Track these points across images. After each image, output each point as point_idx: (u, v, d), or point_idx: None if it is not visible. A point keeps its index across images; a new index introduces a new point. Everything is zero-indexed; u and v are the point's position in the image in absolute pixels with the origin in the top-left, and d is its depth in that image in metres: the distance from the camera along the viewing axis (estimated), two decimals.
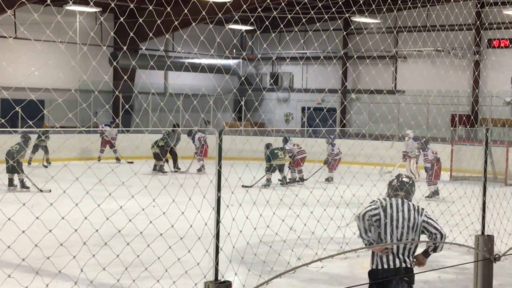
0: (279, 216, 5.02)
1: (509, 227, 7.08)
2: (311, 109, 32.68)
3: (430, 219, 5.82)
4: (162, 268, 5.04)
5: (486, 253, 6.34)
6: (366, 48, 27.36)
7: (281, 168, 19.46)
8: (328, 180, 20.49)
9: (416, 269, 5.89)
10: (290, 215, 5.30)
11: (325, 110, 30.24)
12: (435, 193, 17.30)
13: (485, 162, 6.58)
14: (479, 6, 28.37)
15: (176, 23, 5.31)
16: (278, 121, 35.92)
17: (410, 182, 5.95)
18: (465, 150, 21.74)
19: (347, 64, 32.57)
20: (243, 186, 10.66)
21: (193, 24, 5.69)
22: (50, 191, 14.51)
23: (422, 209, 5.85)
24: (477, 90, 29.19)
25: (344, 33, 30.12)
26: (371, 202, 5.80)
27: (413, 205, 5.85)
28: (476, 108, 29.46)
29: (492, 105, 29.08)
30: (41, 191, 14.73)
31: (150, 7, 4.75)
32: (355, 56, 29.65)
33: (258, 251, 5.40)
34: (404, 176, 5.93)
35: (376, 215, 5.72)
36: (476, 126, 28.20)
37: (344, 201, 5.84)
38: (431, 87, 29.48)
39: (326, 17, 6.18)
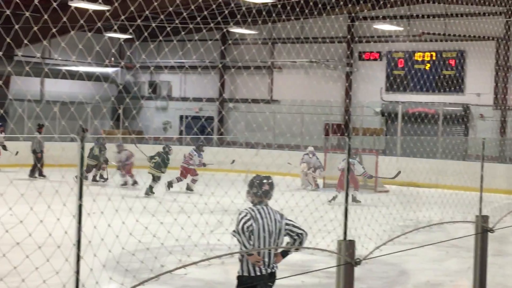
0: (142, 224, 5.02)
1: (370, 232, 7.38)
2: (190, 117, 32.76)
3: (291, 220, 6.12)
4: (19, 279, 4.92)
5: (347, 258, 6.55)
6: (243, 58, 27.71)
7: (154, 178, 19.27)
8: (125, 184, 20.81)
9: (280, 274, 6.07)
10: (154, 223, 5.31)
11: (203, 119, 30.36)
12: (354, 200, 18.08)
13: (348, 169, 6.80)
14: (349, 20, 29.38)
15: (53, 30, 5.20)
16: (156, 129, 35.72)
17: (270, 186, 6.14)
18: (337, 158, 22.37)
19: (224, 76, 32.85)
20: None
21: (72, 32, 5.61)
22: None
23: (281, 213, 6.09)
24: (347, 101, 30.15)
25: (222, 47, 30.44)
26: (240, 213, 5.93)
27: (274, 209, 6.06)
28: (346, 117, 30.40)
29: (363, 115, 30.07)
30: None
31: (27, 14, 4.64)
32: (232, 69, 29.93)
33: (120, 259, 5.38)
34: (262, 179, 6.08)
35: (250, 226, 5.88)
36: (346, 135, 29.03)
37: (208, 208, 5.91)
38: (306, 97, 30.22)
39: (204, 29, 6.23)
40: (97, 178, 21.96)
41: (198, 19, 5.51)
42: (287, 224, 6.07)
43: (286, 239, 6.20)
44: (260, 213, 5.98)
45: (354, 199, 18.13)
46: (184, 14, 5.33)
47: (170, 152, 19.57)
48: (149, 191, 18.92)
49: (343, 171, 18.62)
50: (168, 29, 5.81)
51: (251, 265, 5.95)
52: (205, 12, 5.38)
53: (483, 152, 7.82)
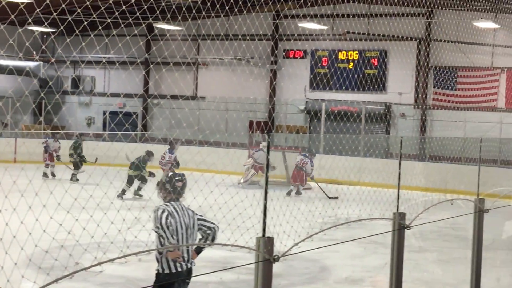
0: (56, 221, 4.93)
1: (288, 229, 7.43)
2: (108, 112, 32.34)
3: (202, 216, 6.22)
4: None
5: (266, 254, 6.58)
6: (169, 54, 27.56)
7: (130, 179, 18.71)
8: None
9: (200, 270, 6.07)
10: (69, 219, 5.22)
11: (121, 115, 30.04)
12: (297, 192, 20.40)
13: (267, 166, 6.83)
14: (274, 18, 29.58)
15: None
16: (79, 124, 35.21)
17: (183, 183, 6.19)
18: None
19: (143, 72, 32.56)
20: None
21: None
22: None
23: (191, 209, 6.14)
24: (271, 98, 30.34)
25: (141, 42, 30.14)
26: (157, 210, 5.91)
27: (185, 205, 6.11)
28: (266, 114, 30.60)
29: (286, 112, 30.32)
30: None
31: None
32: (152, 65, 29.65)
33: (33, 257, 5.27)
34: (175, 176, 6.12)
35: (170, 221, 5.88)
36: (268, 131, 29.22)
37: (125, 205, 5.87)
38: (231, 94, 30.25)
39: (122, 24, 6.13)
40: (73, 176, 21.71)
41: (117, 13, 5.44)
42: (199, 219, 6.16)
43: (198, 234, 6.24)
44: (176, 209, 6.02)
45: (298, 192, 20.30)
46: (102, 8, 5.24)
47: (150, 158, 19.24)
48: (137, 193, 18.37)
49: (296, 167, 20.66)
50: (85, 23, 5.71)
51: (171, 262, 5.93)
52: (124, 7, 5.31)
53: (400, 150, 7.96)
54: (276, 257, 6.65)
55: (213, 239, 6.25)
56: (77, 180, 21.25)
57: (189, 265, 6.07)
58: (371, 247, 12.37)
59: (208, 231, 6.18)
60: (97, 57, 30.82)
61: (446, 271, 11.47)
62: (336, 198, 18.99)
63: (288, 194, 19.98)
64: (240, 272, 9.59)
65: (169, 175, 6.18)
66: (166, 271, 5.96)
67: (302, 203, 9.05)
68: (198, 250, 6.23)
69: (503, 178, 18.13)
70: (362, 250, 12.30)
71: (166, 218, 5.88)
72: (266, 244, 6.61)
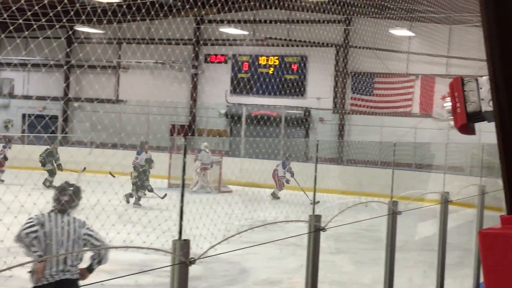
0: None
1: (205, 231, 7.49)
2: (26, 115, 31.71)
3: (92, 231, 5.94)
4: None
5: (182, 257, 6.60)
6: (89, 58, 27.30)
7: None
8: None
9: (116, 273, 6.01)
10: None
11: (47, 118, 29.50)
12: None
13: (183, 169, 6.86)
14: (196, 23, 29.61)
15: None
16: None
17: (73, 194, 6.00)
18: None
19: (60, 74, 32.06)
20: None
21: None
22: None
23: (84, 222, 5.95)
24: (192, 102, 30.33)
25: (54, 44, 29.66)
26: (28, 219, 5.76)
27: (74, 218, 5.93)
28: (188, 118, 30.58)
29: (207, 116, 30.35)
30: None
31: None
32: (65, 67, 29.23)
33: None
34: (66, 187, 6.00)
35: (34, 232, 5.69)
36: (184, 135, 29.19)
37: (37, 208, 5.81)
38: (151, 97, 30.10)
39: (35, 26, 6.04)
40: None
41: (28, 14, 5.37)
42: (88, 235, 5.91)
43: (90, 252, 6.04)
44: (50, 220, 5.80)
45: (275, 196, 21.27)
46: (13, 8, 5.16)
47: (150, 165, 19.25)
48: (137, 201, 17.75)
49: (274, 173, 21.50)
50: None
51: (34, 276, 5.77)
52: (36, 7, 5.24)
53: (317, 153, 8.12)
54: (192, 259, 6.70)
55: (100, 261, 5.98)
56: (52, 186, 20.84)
57: (57, 278, 5.79)
58: (289, 249, 12.53)
59: (96, 256, 5.94)
60: (11, 59, 30.15)
61: (361, 272, 11.73)
62: (317, 202, 19.03)
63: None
64: (157, 274, 9.57)
65: (59, 185, 6.04)
66: (33, 284, 5.80)
67: (219, 206, 9.10)
68: (90, 269, 6.02)
69: (416, 181, 18.62)
70: (280, 252, 12.45)
71: (25, 229, 5.65)
72: (182, 246, 6.64)
